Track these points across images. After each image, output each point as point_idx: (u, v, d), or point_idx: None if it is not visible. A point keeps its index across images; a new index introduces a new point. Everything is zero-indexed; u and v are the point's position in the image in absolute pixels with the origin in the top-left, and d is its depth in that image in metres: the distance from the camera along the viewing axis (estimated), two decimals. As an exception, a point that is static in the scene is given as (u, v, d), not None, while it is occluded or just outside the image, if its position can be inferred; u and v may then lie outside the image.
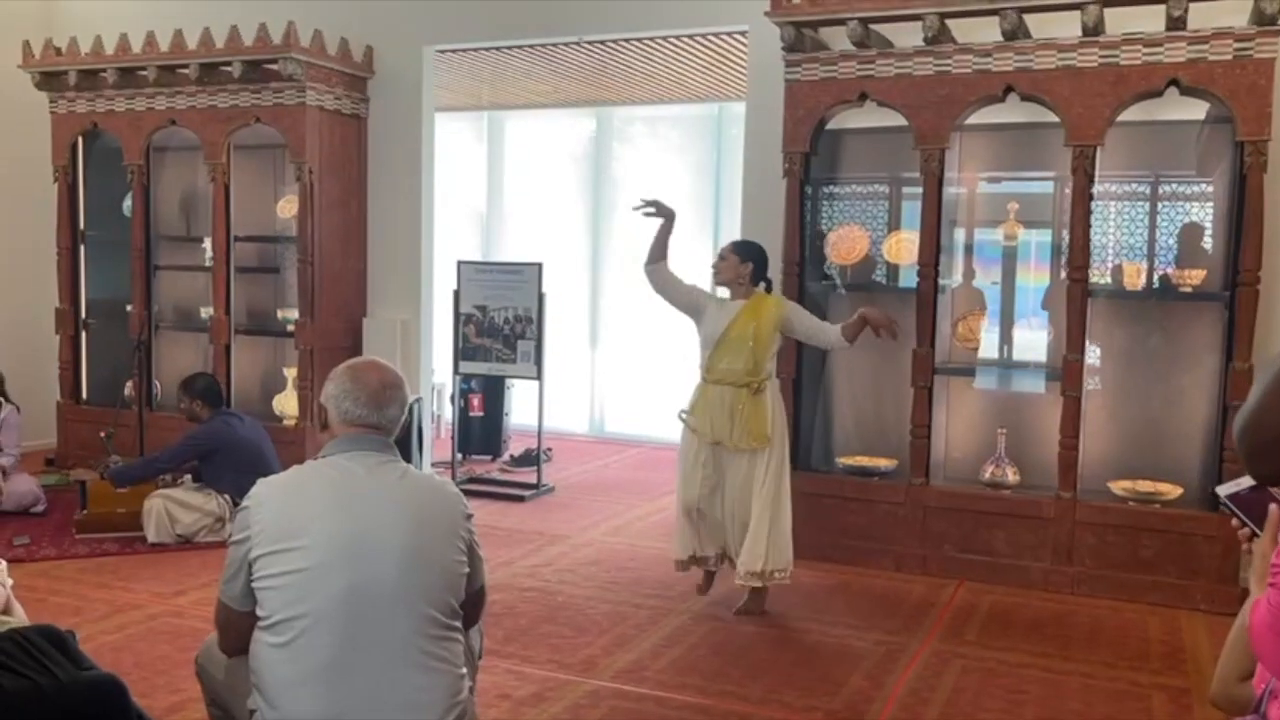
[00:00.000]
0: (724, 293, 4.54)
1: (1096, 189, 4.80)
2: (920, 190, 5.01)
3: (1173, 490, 4.81)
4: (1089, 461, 4.95)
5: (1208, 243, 5.02)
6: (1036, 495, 4.90)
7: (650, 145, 8.93)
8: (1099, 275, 5.04)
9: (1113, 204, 5.15)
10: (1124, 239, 5.17)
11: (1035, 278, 5.46)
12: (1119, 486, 4.87)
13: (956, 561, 4.95)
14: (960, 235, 5.50)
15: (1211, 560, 4.55)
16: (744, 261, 4.42)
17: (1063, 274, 4.94)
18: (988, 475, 5.08)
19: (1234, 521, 1.77)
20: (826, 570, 5.04)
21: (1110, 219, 5.16)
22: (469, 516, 2.28)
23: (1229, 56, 4.39)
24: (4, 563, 2.74)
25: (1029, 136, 5.22)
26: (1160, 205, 5.19)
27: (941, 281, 5.10)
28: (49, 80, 6.85)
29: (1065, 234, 4.89)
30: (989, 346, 5.42)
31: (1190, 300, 4.92)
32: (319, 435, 2.30)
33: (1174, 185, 5.18)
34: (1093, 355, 5.05)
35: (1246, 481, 1.69)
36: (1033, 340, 5.41)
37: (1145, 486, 4.84)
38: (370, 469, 2.18)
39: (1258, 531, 1.70)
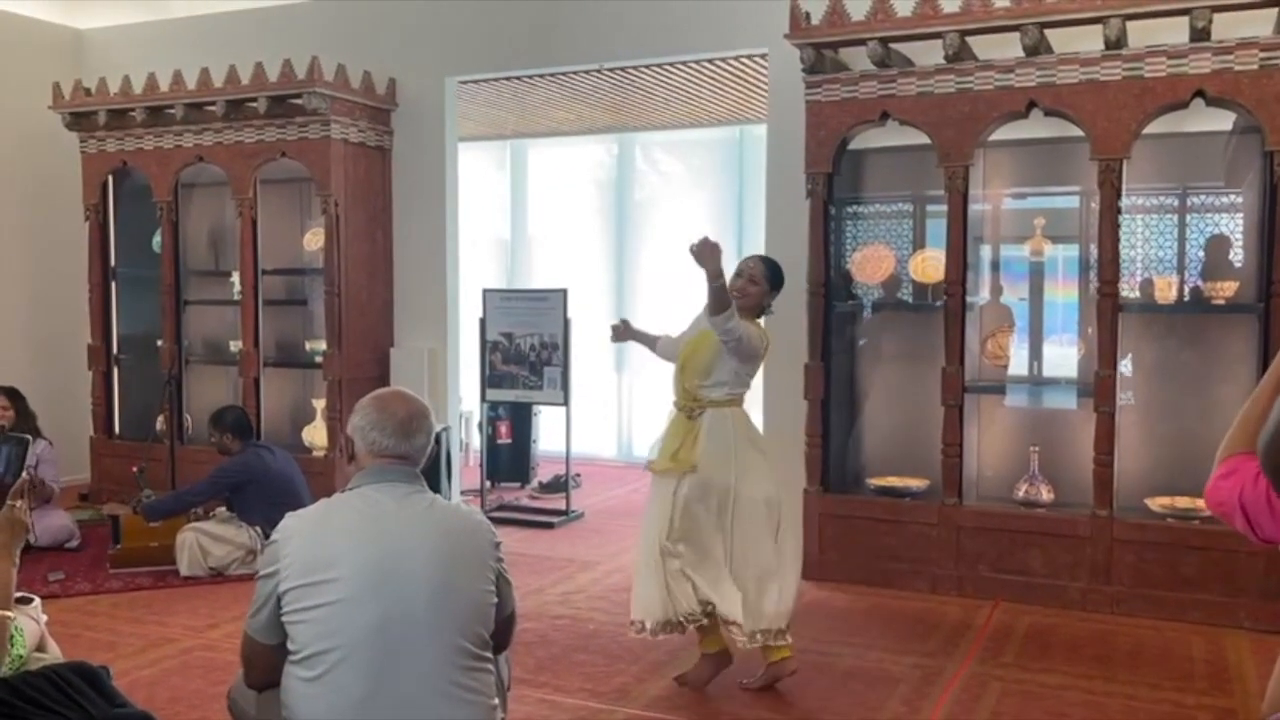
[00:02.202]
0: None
1: (1124, 202, 4.76)
2: (945, 208, 4.98)
3: (1212, 506, 4.72)
4: (1124, 478, 4.88)
5: (1236, 254, 4.96)
6: (1072, 514, 4.83)
7: (672, 170, 8.95)
8: (1129, 289, 4.98)
9: (1140, 217, 5.10)
10: (1153, 252, 5.12)
11: (1064, 293, 5.41)
12: (1156, 503, 4.79)
13: (992, 582, 4.88)
14: (986, 252, 5.46)
15: (1254, 577, 4.46)
16: (771, 290, 3.97)
17: (1092, 289, 4.88)
18: (1021, 494, 5.02)
19: None
20: (860, 593, 4.98)
21: (1138, 232, 5.11)
22: (497, 545, 2.27)
23: (1255, 66, 4.35)
24: (38, 600, 2.75)
25: (1054, 151, 5.18)
26: (1189, 217, 5.13)
27: (969, 299, 5.07)
28: (79, 120, 6.96)
29: (1093, 248, 4.84)
30: (1019, 363, 5.37)
31: (1223, 313, 4.85)
32: (346, 467, 2.29)
33: (1203, 197, 5.12)
34: (1125, 369, 4.99)
35: None
36: (1063, 356, 5.35)
37: (1184, 503, 4.76)
38: (398, 500, 2.17)
39: None
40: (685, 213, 8.71)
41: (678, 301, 8.61)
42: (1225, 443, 1.70)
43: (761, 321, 3.99)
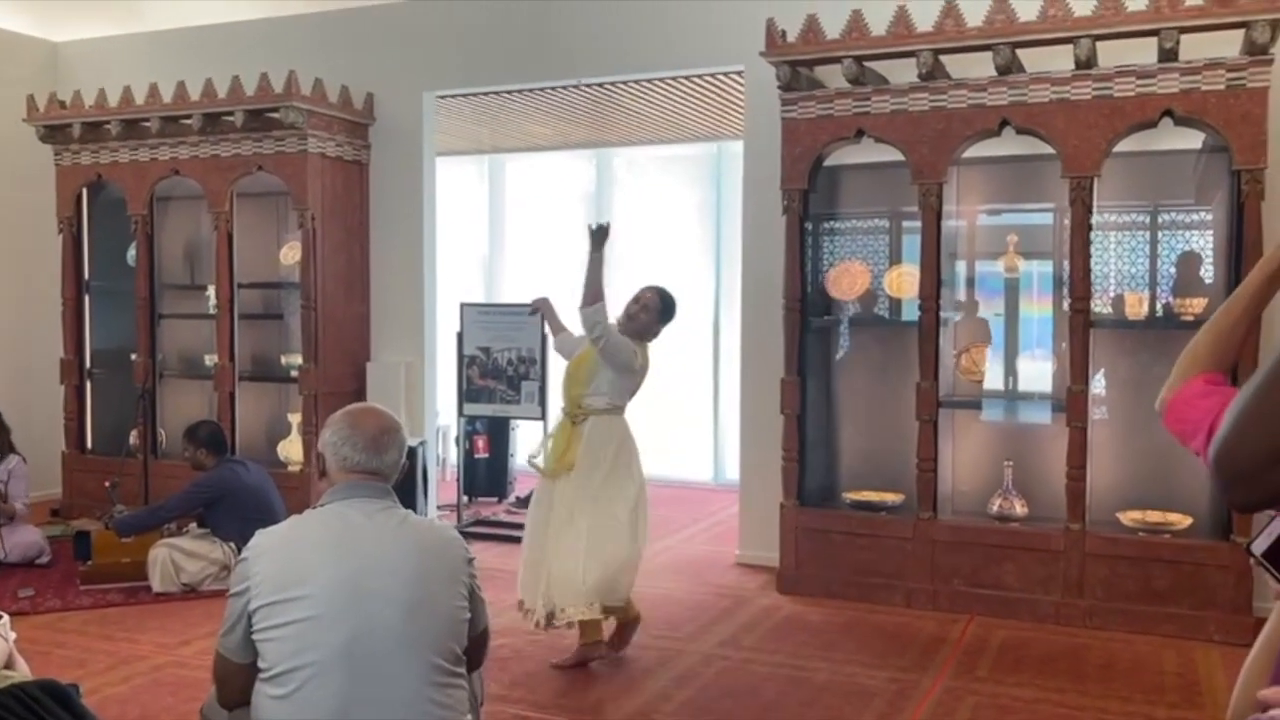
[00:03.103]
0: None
1: (1095, 219, 4.82)
2: (919, 224, 5.03)
3: (1182, 520, 4.78)
4: (1097, 492, 4.93)
5: (1206, 271, 5.03)
6: (1045, 528, 4.87)
7: (650, 185, 8.98)
8: (1101, 305, 5.04)
9: (1112, 234, 5.17)
10: (1125, 268, 5.18)
11: (1037, 308, 5.47)
12: (1128, 517, 4.84)
13: (967, 596, 4.91)
14: (961, 267, 5.51)
15: (1225, 591, 4.50)
16: (660, 320, 4.36)
17: (1065, 304, 4.94)
18: (996, 508, 5.05)
19: (1271, 580, 1.53)
20: (836, 607, 5.00)
21: (1110, 249, 5.17)
22: (470, 560, 2.27)
23: (1222, 86, 4.42)
24: (7, 617, 2.72)
25: (1027, 169, 5.24)
26: (1160, 234, 5.20)
27: (944, 314, 5.11)
28: (53, 133, 6.92)
29: (1066, 264, 4.90)
30: (994, 378, 5.41)
31: (1193, 329, 4.89)
32: (319, 483, 2.28)
33: (1173, 214, 5.19)
34: (1098, 385, 5.04)
35: (1278, 529, 1.47)
36: (1037, 371, 5.39)
37: (1155, 517, 4.81)
38: (370, 515, 2.17)
39: None
40: (663, 228, 8.75)
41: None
42: (1190, 358, 1.61)
43: (649, 347, 4.39)
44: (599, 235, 4.32)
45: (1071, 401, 4.73)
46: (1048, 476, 5.09)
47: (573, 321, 4.48)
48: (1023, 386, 5.41)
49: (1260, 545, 1.53)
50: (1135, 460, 5.11)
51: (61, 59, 7.71)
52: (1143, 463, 5.09)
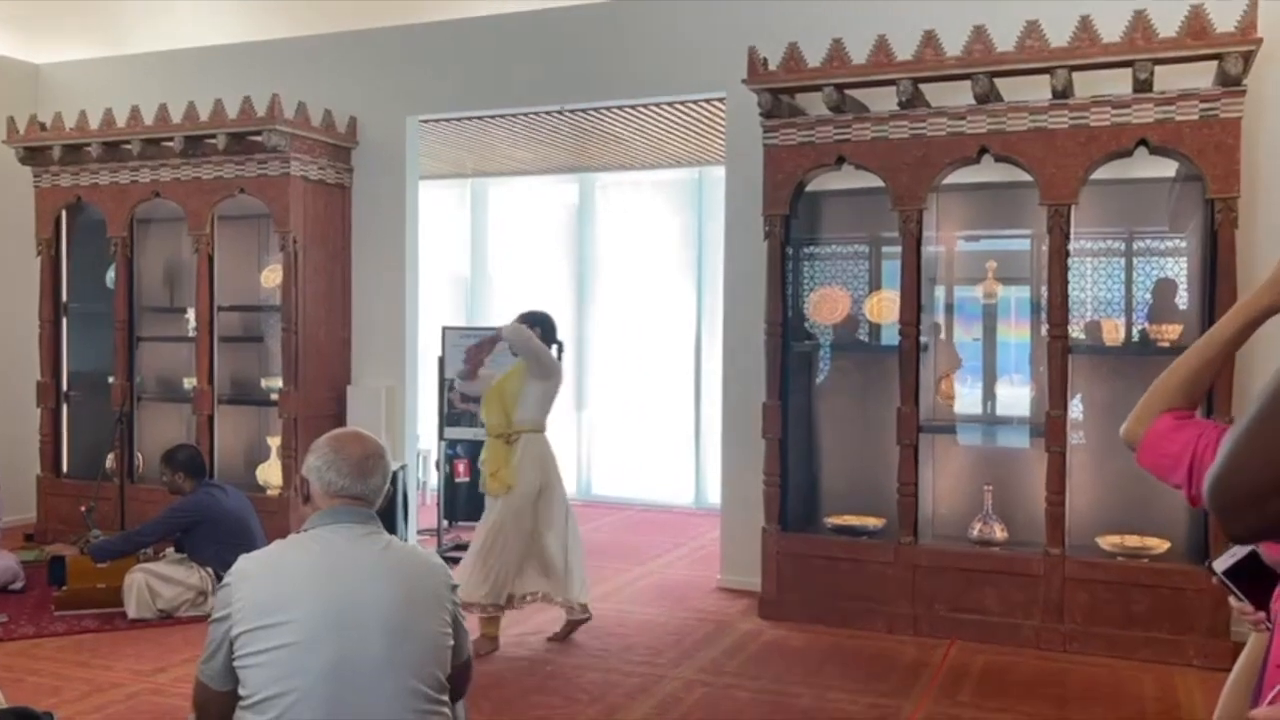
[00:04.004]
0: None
1: (1073, 246, 4.87)
2: (899, 249, 5.07)
3: (1161, 544, 4.81)
4: (1076, 517, 4.95)
5: (1182, 298, 5.09)
6: (1025, 552, 4.89)
7: (633, 210, 9.02)
8: (1077, 329, 5.09)
9: (1089, 260, 5.22)
10: (1101, 294, 5.24)
11: (1016, 333, 5.52)
12: (1107, 542, 4.87)
13: (948, 621, 4.92)
14: (940, 293, 5.55)
15: (1203, 615, 4.53)
16: (532, 327, 4.71)
17: (1043, 330, 4.99)
18: (976, 533, 5.07)
19: (1232, 599, 1.61)
20: (818, 632, 5.00)
21: (1087, 275, 5.23)
22: (453, 587, 2.26)
23: (1195, 117, 4.49)
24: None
25: (1006, 195, 5.30)
26: (1135, 260, 5.27)
27: (923, 339, 5.14)
28: (33, 155, 6.89)
29: (1044, 289, 4.95)
30: (971, 403, 5.44)
31: (1169, 355, 4.96)
32: (301, 508, 2.27)
33: (1148, 241, 5.27)
34: (1076, 410, 5.08)
35: (1240, 551, 1.56)
36: (1015, 395, 5.43)
37: (1133, 541, 4.84)
38: (353, 541, 2.16)
39: (1259, 607, 1.56)
40: (646, 252, 8.79)
41: (637, 338, 8.74)
42: (1160, 394, 1.65)
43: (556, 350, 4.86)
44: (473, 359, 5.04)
45: (1050, 427, 4.77)
46: (1027, 501, 5.12)
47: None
48: (1001, 411, 5.45)
49: (1222, 564, 1.58)
50: (1114, 484, 5.14)
51: (43, 81, 7.69)
52: (1121, 487, 5.12)
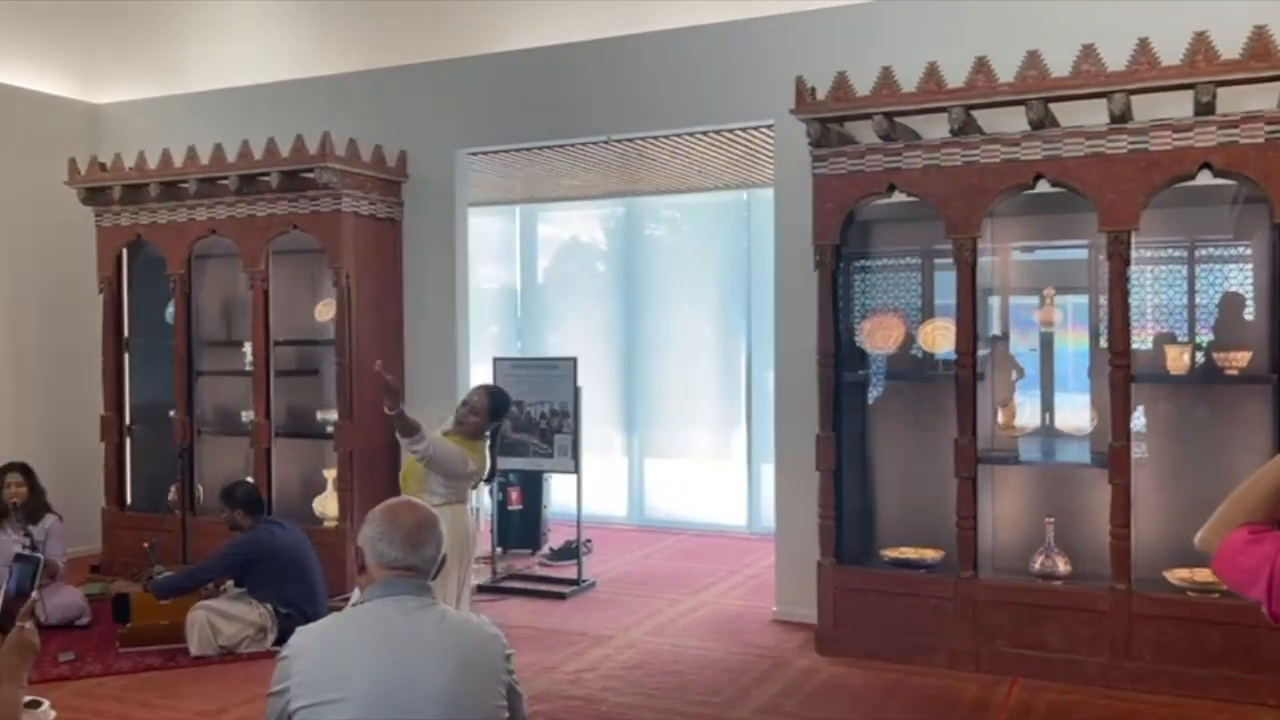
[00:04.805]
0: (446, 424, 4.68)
1: (1132, 255, 4.72)
2: (952, 260, 4.96)
3: (1232, 578, 4.65)
4: (1142, 549, 4.82)
5: (1249, 313, 4.93)
6: (1090, 587, 4.77)
7: (681, 232, 9.01)
8: (1140, 341, 4.94)
9: (1149, 269, 5.07)
10: (1163, 300, 5.08)
11: (1075, 360, 5.39)
12: (1175, 576, 4.73)
13: (1010, 657, 4.81)
14: (995, 307, 5.44)
15: (1278, 653, 4.38)
16: (491, 419, 4.63)
17: (1102, 341, 4.82)
18: (1038, 566, 4.96)
19: None
20: (877, 668, 4.92)
21: (1148, 285, 5.08)
22: (508, 656, 2.25)
23: (1261, 140, 4.36)
24: (47, 703, 2.74)
25: (1063, 200, 5.12)
26: (1198, 269, 5.09)
27: (981, 351, 5.04)
28: (94, 195, 7.05)
29: (1103, 300, 4.78)
30: (1031, 432, 5.32)
31: (1237, 384, 4.82)
32: (358, 577, 2.28)
33: (1211, 249, 5.10)
34: (1138, 423, 4.96)
35: None
36: (1076, 415, 5.29)
37: (1203, 575, 4.68)
38: (408, 614, 2.15)
39: None
40: (694, 275, 8.75)
41: (687, 359, 8.70)
42: (1238, 506, 1.65)
43: (483, 442, 4.64)
44: (386, 393, 4.42)
45: (1113, 458, 4.65)
46: (1090, 532, 4.99)
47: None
48: (1062, 441, 5.31)
49: None
50: (1181, 515, 4.98)
51: (103, 120, 7.88)
52: (1189, 518, 4.93)
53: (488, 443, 4.69)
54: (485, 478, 4.71)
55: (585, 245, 9.32)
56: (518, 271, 9.43)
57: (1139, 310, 4.98)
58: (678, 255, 8.89)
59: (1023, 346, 5.45)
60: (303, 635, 2.15)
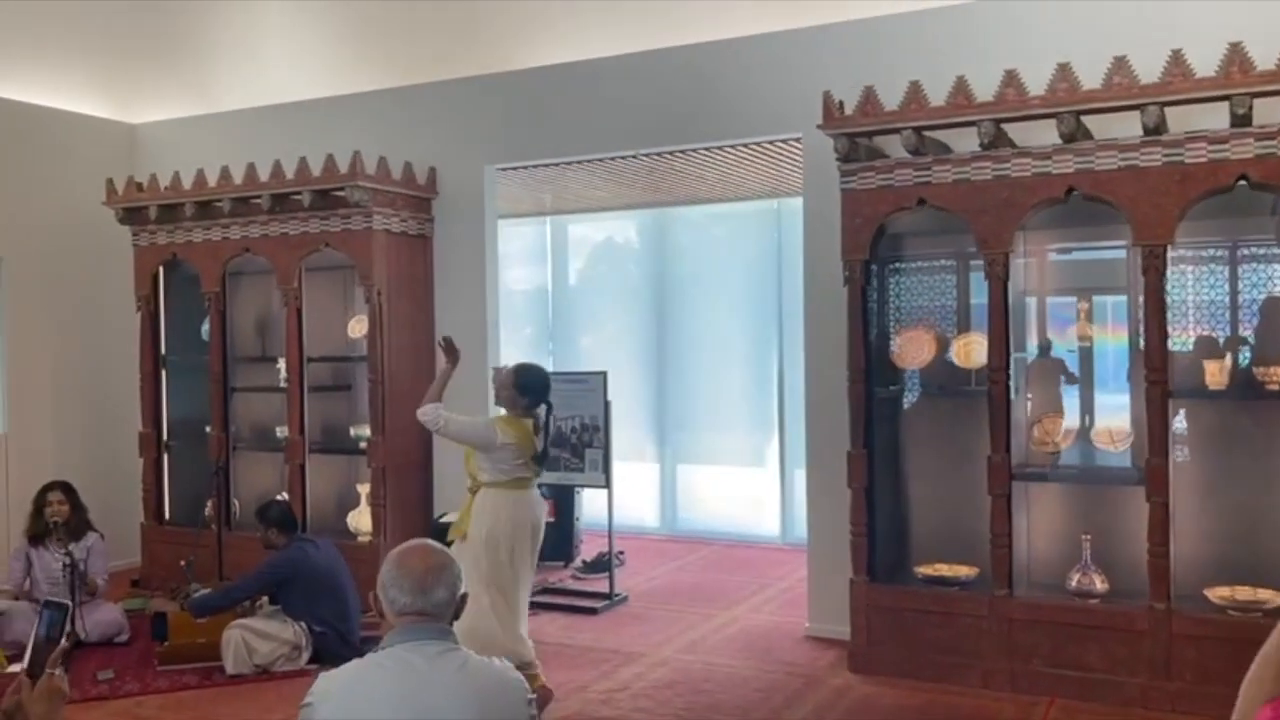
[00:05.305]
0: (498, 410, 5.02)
1: (1171, 255, 4.64)
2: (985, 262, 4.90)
3: (1275, 597, 4.57)
4: (1181, 566, 4.74)
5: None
6: (1128, 606, 4.69)
7: (711, 239, 8.97)
8: (1180, 340, 4.87)
9: (1189, 269, 4.97)
10: (1204, 297, 4.98)
11: (1113, 338, 5.31)
12: (1216, 594, 4.64)
13: (1046, 677, 4.74)
14: (1033, 302, 5.40)
15: (1322, 675, 4.27)
16: (520, 395, 4.84)
17: (1141, 344, 4.75)
18: (1074, 584, 4.88)
19: None
20: (910, 688, 4.87)
21: (1189, 286, 4.98)
22: (531, 701, 2.25)
23: (1300, 151, 4.27)
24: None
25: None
26: (1240, 269, 4.98)
27: (1016, 354, 5.01)
28: (131, 215, 7.15)
29: (1142, 298, 4.70)
30: (1067, 446, 5.24)
31: (1278, 398, 4.71)
32: (382, 624, 2.28)
33: (1252, 248, 4.99)
34: (1179, 425, 4.88)
35: None
36: (1113, 438, 5.20)
37: (1245, 594, 4.61)
38: (429, 660, 2.16)
39: None
40: (725, 279, 8.72)
41: (719, 367, 8.66)
42: (1256, 685, 1.59)
43: (528, 421, 4.85)
44: (450, 350, 4.87)
45: (1151, 475, 4.57)
46: (1128, 548, 4.91)
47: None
48: (1098, 456, 5.24)
49: None
50: (1221, 532, 4.91)
51: (139, 140, 7.99)
52: (1229, 534, 4.89)
53: (532, 422, 4.82)
54: (537, 458, 4.83)
55: (616, 250, 9.32)
56: (549, 275, 9.44)
57: (1180, 308, 4.88)
58: (708, 261, 8.85)
59: (1061, 346, 5.38)
60: (326, 681, 2.16)
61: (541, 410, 4.89)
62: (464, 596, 2.30)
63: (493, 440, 4.69)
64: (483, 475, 4.75)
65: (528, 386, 4.84)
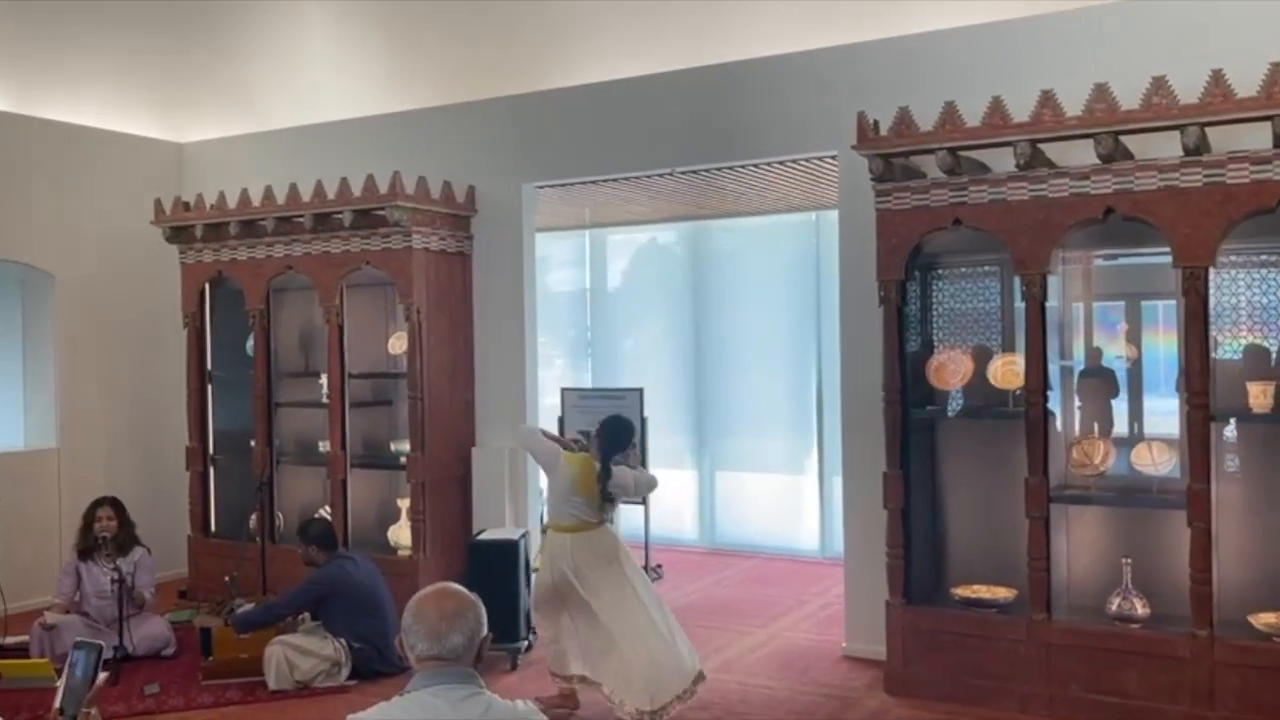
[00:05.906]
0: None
1: (1219, 259, 4.55)
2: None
3: (1322, 625, 4.47)
4: (1225, 591, 4.65)
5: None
6: (1169, 633, 4.62)
7: (749, 249, 8.95)
8: (1230, 346, 4.80)
9: (1241, 273, 4.86)
10: (1256, 299, 4.84)
11: (1164, 342, 5.21)
12: (1261, 621, 4.55)
13: (1085, 703, 4.69)
14: (1080, 309, 5.33)
15: (1371, 707, 4.19)
16: (608, 447, 4.96)
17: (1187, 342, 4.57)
18: (1114, 608, 4.81)
19: None
20: (947, 711, 4.84)
21: (1241, 292, 4.86)
22: (555, 745, 2.27)
23: (1346, 171, 4.18)
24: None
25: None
26: None
27: (1063, 362, 4.98)
28: (178, 233, 7.31)
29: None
30: (1106, 452, 5.15)
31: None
32: (412, 664, 2.31)
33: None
34: (1230, 433, 4.80)
35: None
36: (1155, 460, 5.10)
37: (1290, 622, 4.52)
38: (454, 704, 2.19)
39: None
40: (763, 289, 8.69)
41: (757, 380, 8.64)
42: None
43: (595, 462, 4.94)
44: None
45: (1193, 500, 4.50)
46: (1169, 572, 4.83)
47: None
48: (1139, 478, 5.13)
49: None
50: (1265, 557, 4.81)
51: (186, 159, 8.16)
52: (1275, 559, 4.79)
53: (598, 465, 4.89)
54: (603, 496, 4.90)
55: (655, 257, 9.32)
56: (587, 280, 9.47)
57: (1231, 307, 4.79)
58: (747, 271, 8.82)
59: (1111, 354, 5.32)
60: (354, 723, 2.20)
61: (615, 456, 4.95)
62: (485, 639, 2.31)
63: (555, 463, 4.95)
64: (546, 518, 5.02)
65: (601, 434, 4.99)
